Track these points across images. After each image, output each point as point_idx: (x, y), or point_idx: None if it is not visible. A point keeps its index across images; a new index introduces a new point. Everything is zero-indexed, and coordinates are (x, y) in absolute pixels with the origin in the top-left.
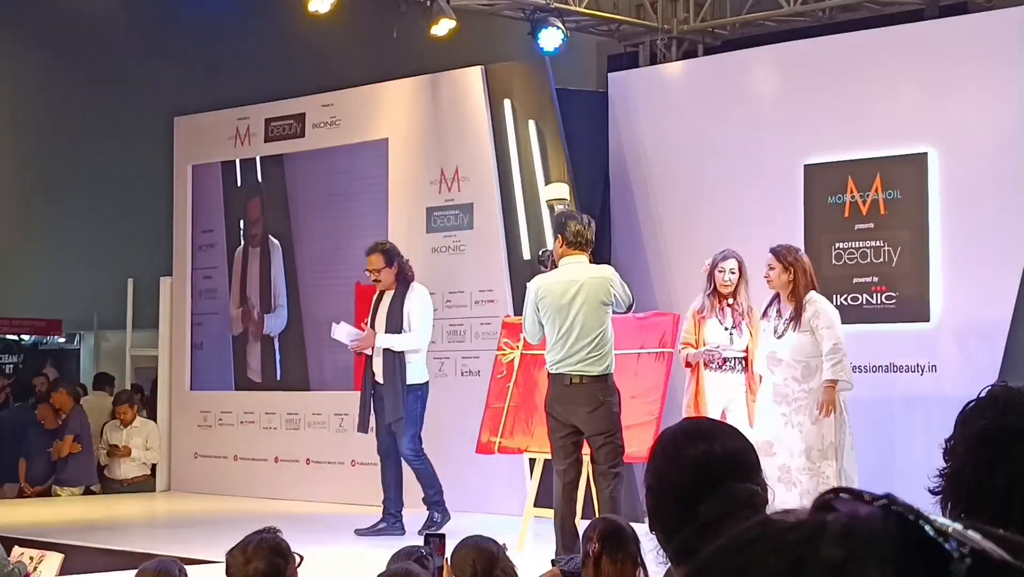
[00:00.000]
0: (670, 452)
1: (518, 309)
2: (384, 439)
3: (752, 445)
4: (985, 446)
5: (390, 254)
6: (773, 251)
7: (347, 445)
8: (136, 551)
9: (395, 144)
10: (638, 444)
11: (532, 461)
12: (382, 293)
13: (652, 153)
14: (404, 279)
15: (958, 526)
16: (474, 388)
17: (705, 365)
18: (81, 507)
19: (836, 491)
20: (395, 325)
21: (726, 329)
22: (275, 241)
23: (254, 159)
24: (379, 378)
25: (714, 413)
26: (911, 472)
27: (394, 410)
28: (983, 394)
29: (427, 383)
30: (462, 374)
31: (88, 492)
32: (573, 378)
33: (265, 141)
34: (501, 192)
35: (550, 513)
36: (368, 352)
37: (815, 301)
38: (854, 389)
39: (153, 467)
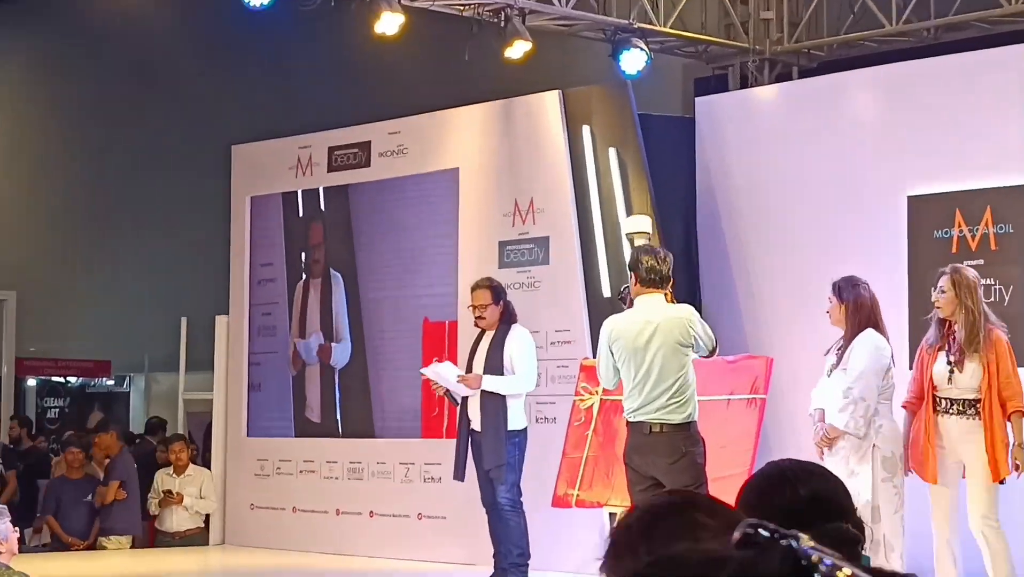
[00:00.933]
0: (751, 500)
1: (597, 350)
2: (487, 487)
3: (843, 485)
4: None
5: (497, 291)
6: (833, 283)
7: (414, 496)
8: None
9: (466, 174)
10: (728, 497)
11: (612, 516)
12: (481, 334)
13: (742, 183)
14: (507, 319)
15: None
16: (550, 436)
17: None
18: (128, 560)
19: (754, 525)
20: (495, 367)
21: (948, 363)
22: (337, 273)
23: (316, 189)
24: (476, 425)
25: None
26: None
27: (495, 456)
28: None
29: (526, 429)
30: (537, 420)
31: (137, 545)
32: (653, 427)
33: (328, 171)
34: (579, 225)
35: None
36: (467, 395)
37: (861, 340)
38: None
39: (207, 519)
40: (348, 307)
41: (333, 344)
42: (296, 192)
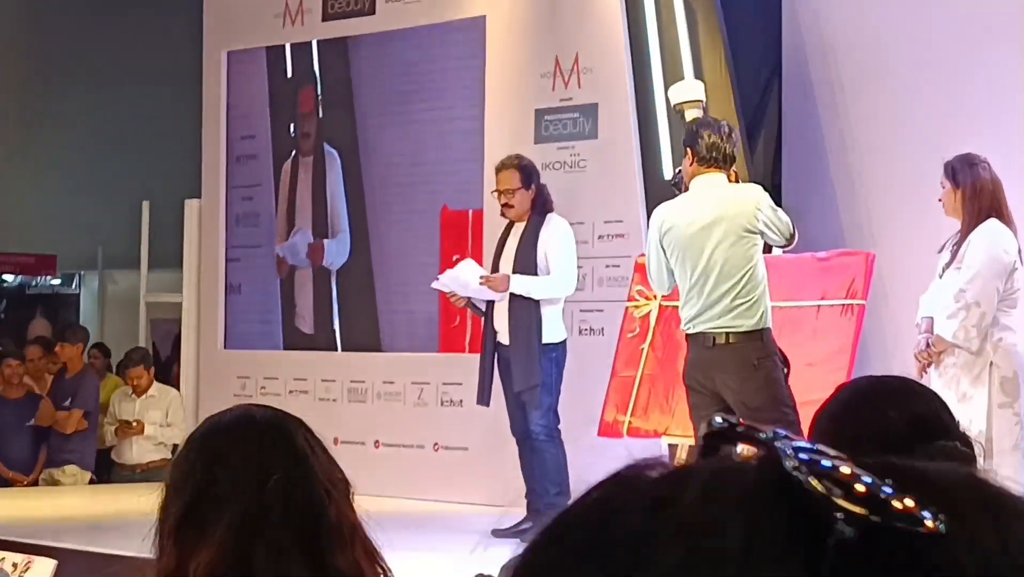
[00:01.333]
0: (827, 429)
1: (646, 247)
2: (517, 414)
3: (940, 400)
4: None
5: (528, 172)
6: (945, 164)
7: (428, 423)
8: (149, 557)
9: (494, 24)
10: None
11: (672, 448)
12: (510, 225)
13: (841, 41)
14: (542, 208)
15: (865, 476)
16: (597, 350)
17: None
18: (82, 500)
19: (726, 425)
20: (527, 266)
21: None
22: (332, 151)
23: (309, 44)
24: (503, 337)
25: None
26: None
27: (527, 376)
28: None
29: (565, 342)
30: (580, 332)
31: (92, 481)
32: (717, 337)
33: (323, 20)
34: (636, 90)
35: None
36: (492, 300)
37: (979, 232)
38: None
39: (174, 448)
40: (347, 192)
41: (326, 241)
42: (283, 46)
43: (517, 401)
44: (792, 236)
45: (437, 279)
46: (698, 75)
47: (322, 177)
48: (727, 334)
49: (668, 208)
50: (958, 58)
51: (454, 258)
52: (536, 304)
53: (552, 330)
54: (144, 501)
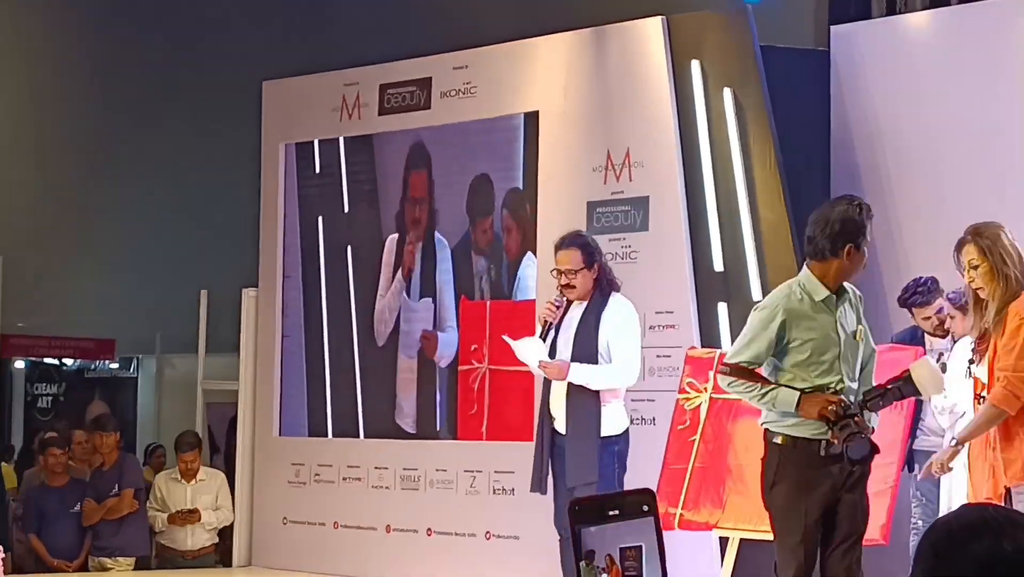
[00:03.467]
0: (946, 549)
1: (707, 338)
2: (565, 508)
3: None
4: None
5: (589, 250)
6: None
7: (481, 511)
8: None
9: (548, 118)
10: (870, 520)
11: (724, 541)
12: (569, 306)
13: (887, 131)
14: (605, 288)
15: None
16: (648, 441)
17: None
18: None
19: None
20: (587, 351)
21: None
22: (443, 239)
23: (336, 140)
24: (560, 426)
25: None
26: None
27: (583, 471)
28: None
29: (627, 432)
30: (632, 422)
31: (140, 566)
32: None
33: (379, 114)
34: (686, 183)
35: None
36: (556, 380)
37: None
38: None
39: (220, 532)
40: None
41: (440, 333)
42: (312, 142)
43: (569, 495)
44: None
45: (508, 339)
46: (747, 167)
47: (432, 262)
48: None
49: None
50: (1003, 150)
51: (471, 347)
52: (596, 393)
53: (613, 421)
54: None
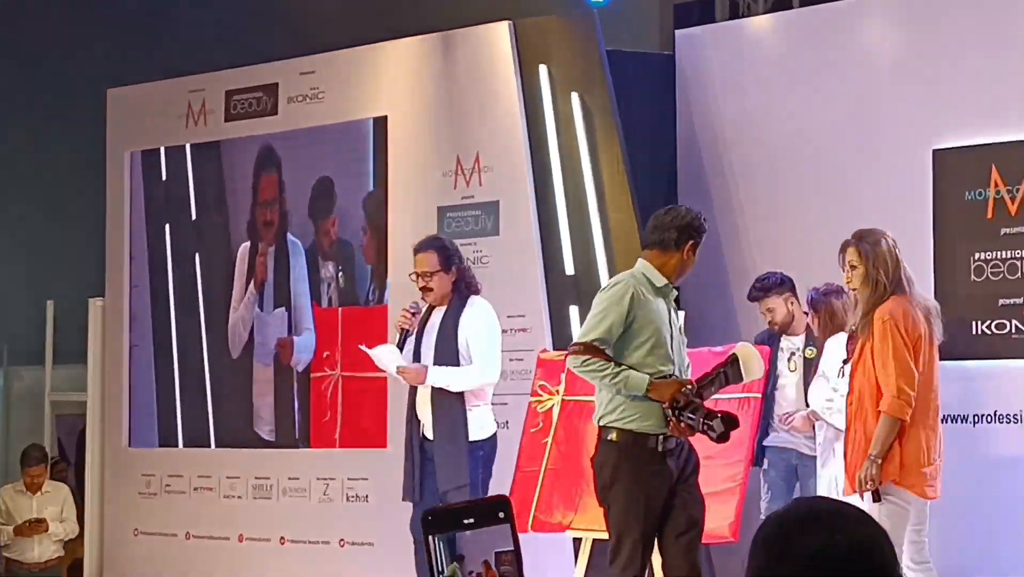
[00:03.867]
0: (778, 544)
1: (559, 341)
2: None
3: (885, 534)
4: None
5: (447, 253)
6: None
7: (334, 519)
8: None
9: (396, 123)
10: (719, 518)
11: (577, 541)
12: (431, 310)
13: (732, 135)
14: (464, 291)
15: None
16: (501, 445)
17: None
18: None
19: None
20: (448, 354)
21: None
22: (296, 241)
23: (183, 147)
24: (428, 431)
25: None
26: None
27: (453, 475)
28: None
29: (493, 437)
30: None
31: None
32: None
33: (226, 120)
34: (535, 187)
35: None
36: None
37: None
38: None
39: (66, 544)
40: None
41: (296, 337)
42: (159, 150)
43: (440, 500)
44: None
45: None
46: (595, 170)
47: (286, 269)
48: None
49: None
50: (847, 152)
51: (324, 355)
52: (460, 396)
53: (480, 426)
54: None
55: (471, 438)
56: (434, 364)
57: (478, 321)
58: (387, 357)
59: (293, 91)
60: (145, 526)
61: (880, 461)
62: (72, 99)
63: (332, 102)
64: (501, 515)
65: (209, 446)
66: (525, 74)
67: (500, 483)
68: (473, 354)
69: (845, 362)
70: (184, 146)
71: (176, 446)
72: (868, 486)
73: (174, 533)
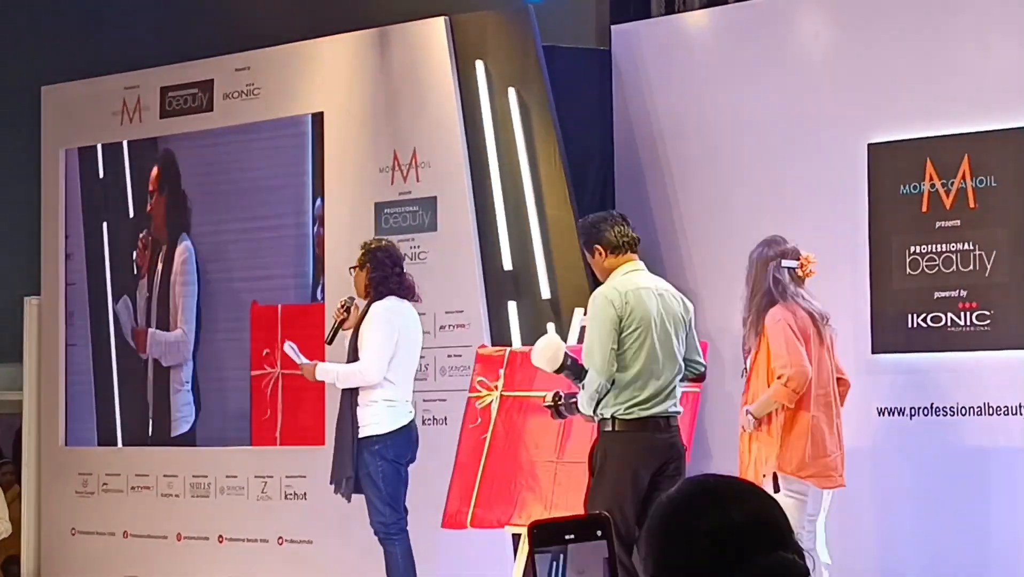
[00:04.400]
0: (671, 527)
1: (497, 337)
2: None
3: (779, 506)
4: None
5: (369, 254)
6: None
7: (272, 517)
8: None
9: (332, 119)
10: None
11: (516, 537)
12: (367, 306)
13: (669, 130)
14: (376, 292)
15: None
16: (440, 441)
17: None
18: None
19: None
20: (354, 354)
21: None
22: (189, 241)
23: (120, 143)
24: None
25: None
26: (1012, 546)
27: (339, 468)
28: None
29: (399, 432)
30: (424, 422)
31: None
32: (671, 419)
33: (161, 116)
34: (473, 183)
35: None
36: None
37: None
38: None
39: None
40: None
41: (153, 331)
42: (95, 147)
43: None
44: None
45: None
46: (532, 165)
47: (168, 265)
48: (676, 416)
49: (620, 290)
50: (783, 145)
51: (264, 352)
52: (351, 393)
53: (373, 421)
54: None
55: (361, 434)
56: (347, 361)
57: (368, 322)
58: (293, 354)
59: (229, 87)
60: (83, 525)
61: (754, 420)
62: (5, 96)
63: (268, 98)
64: (599, 533)
65: (147, 445)
66: (462, 69)
67: (438, 479)
68: (361, 352)
69: (743, 375)
70: (121, 143)
71: (115, 445)
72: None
73: (112, 532)
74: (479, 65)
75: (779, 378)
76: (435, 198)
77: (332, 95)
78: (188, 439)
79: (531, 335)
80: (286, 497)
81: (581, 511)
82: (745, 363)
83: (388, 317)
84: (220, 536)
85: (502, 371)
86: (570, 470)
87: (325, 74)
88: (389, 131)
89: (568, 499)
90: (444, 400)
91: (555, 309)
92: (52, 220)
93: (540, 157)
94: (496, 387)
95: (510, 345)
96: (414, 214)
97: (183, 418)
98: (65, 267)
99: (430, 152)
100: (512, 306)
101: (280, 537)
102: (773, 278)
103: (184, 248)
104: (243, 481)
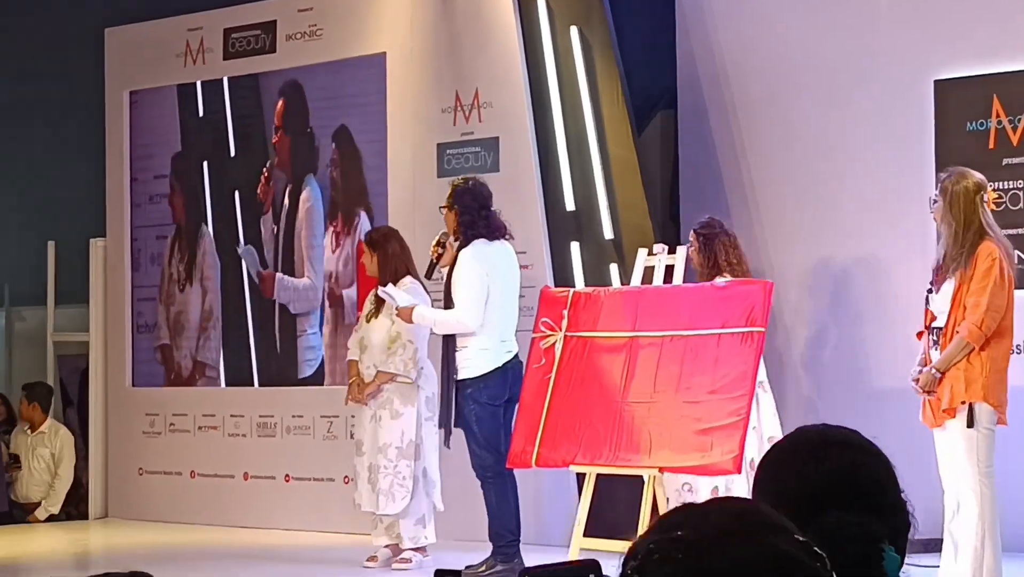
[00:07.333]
0: (771, 471)
1: (560, 278)
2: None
3: (885, 462)
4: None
5: (459, 193)
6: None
7: (338, 457)
8: None
9: (395, 60)
10: (723, 452)
11: (581, 477)
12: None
13: (734, 68)
14: (467, 235)
15: None
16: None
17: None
18: None
19: None
20: (447, 297)
21: (929, 285)
22: (315, 183)
23: (220, 80)
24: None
25: None
26: None
27: (443, 412)
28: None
29: (486, 377)
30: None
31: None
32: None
33: (224, 59)
34: (535, 123)
35: (604, 545)
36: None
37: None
38: None
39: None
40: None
41: (280, 275)
42: (195, 84)
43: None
44: None
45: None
46: (595, 105)
47: (294, 206)
48: None
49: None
50: (849, 82)
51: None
52: (451, 338)
53: (471, 364)
54: (50, 540)
55: (458, 377)
56: (444, 304)
57: (460, 268)
58: (396, 298)
59: (291, 28)
60: (149, 465)
61: (939, 375)
62: (70, 39)
63: (330, 40)
64: None
65: (219, 385)
66: (524, 9)
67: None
68: (454, 300)
69: (929, 291)
70: (222, 80)
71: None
72: (924, 392)
73: (179, 472)
74: (541, 3)
75: (973, 320)
76: (497, 139)
77: (394, 36)
78: (316, 380)
79: (594, 276)
80: (351, 437)
81: (644, 452)
82: (931, 308)
83: (475, 264)
84: (287, 475)
85: (566, 312)
86: (634, 411)
87: (387, 15)
88: (451, 71)
89: (632, 439)
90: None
91: (618, 250)
92: (117, 162)
93: (603, 96)
94: (560, 328)
95: (573, 286)
96: (476, 155)
97: (307, 362)
98: (132, 208)
99: (492, 92)
100: (575, 246)
101: (346, 476)
102: (984, 212)
103: (308, 194)
104: (308, 421)
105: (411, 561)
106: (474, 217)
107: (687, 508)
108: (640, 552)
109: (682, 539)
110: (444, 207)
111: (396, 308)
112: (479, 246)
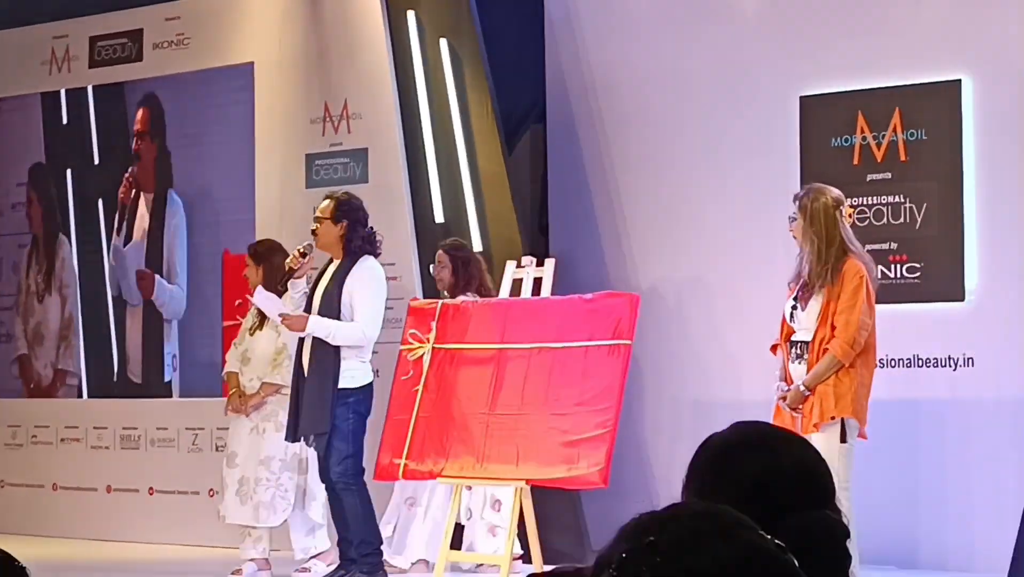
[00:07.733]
0: (720, 466)
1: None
2: (321, 459)
3: (821, 456)
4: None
5: (343, 208)
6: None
7: (203, 469)
8: None
9: (263, 70)
10: (589, 465)
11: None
12: (329, 263)
13: (603, 83)
14: (355, 250)
15: None
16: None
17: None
18: None
19: None
20: (331, 308)
21: (793, 301)
22: (176, 197)
23: (85, 89)
24: (307, 371)
25: None
26: (939, 488)
27: (315, 420)
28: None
29: (366, 387)
30: None
31: None
32: None
33: (90, 67)
34: (404, 134)
35: (470, 558)
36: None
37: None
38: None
39: None
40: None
41: (160, 278)
42: (59, 92)
43: (304, 442)
44: None
45: (253, 299)
46: (464, 116)
47: (160, 220)
48: None
49: None
50: (716, 98)
51: (236, 303)
52: (336, 348)
53: (352, 374)
54: None
55: (341, 386)
56: (319, 314)
57: (363, 281)
58: (271, 305)
59: (158, 37)
60: (11, 477)
61: (808, 393)
62: None
63: (198, 49)
64: None
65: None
66: (393, 20)
67: (371, 432)
68: (356, 312)
69: (794, 307)
70: (86, 88)
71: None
72: (794, 412)
73: (40, 484)
74: (411, 15)
75: (843, 339)
76: (366, 150)
77: (262, 46)
78: (169, 389)
79: None
80: (217, 449)
81: (511, 463)
82: (793, 323)
83: (381, 280)
84: (150, 488)
85: (434, 323)
86: (501, 422)
87: (256, 24)
88: (320, 82)
89: (499, 451)
90: (376, 353)
91: (487, 262)
92: None
93: (472, 109)
94: (428, 339)
95: (442, 297)
96: (345, 165)
97: (168, 366)
98: None
99: (361, 103)
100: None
101: (211, 489)
102: (843, 228)
103: (175, 210)
104: (173, 433)
105: (310, 571)
106: (361, 233)
107: (648, 516)
108: (614, 561)
109: (657, 544)
110: (324, 218)
111: (280, 316)
112: (375, 262)
